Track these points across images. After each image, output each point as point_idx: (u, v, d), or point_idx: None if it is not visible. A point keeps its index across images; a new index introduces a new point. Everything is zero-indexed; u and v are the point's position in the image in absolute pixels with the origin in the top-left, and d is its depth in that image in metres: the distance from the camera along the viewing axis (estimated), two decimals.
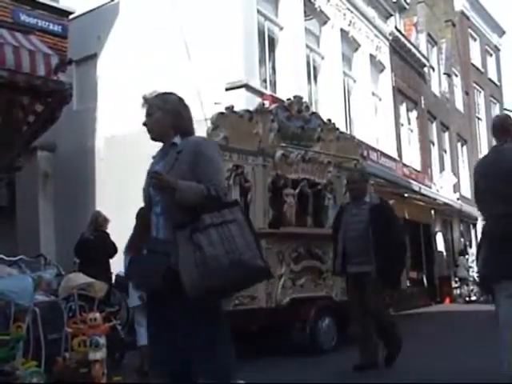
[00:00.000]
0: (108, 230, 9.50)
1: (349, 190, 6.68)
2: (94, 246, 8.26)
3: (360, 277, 5.91)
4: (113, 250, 8.58)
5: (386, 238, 5.72)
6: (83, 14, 11.79)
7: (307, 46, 13.45)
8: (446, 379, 5.33)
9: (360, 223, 5.94)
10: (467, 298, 18.65)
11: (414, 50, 19.85)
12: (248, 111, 7.72)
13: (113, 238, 9.66)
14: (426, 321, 13.18)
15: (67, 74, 8.36)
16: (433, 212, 19.88)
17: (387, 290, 6.67)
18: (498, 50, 30.88)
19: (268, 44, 12.22)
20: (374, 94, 17.05)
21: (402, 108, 19.30)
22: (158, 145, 3.27)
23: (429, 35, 22.57)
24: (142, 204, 3.23)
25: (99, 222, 8.76)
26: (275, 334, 8.04)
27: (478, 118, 27.59)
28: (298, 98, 8.48)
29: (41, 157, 11.74)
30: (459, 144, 24.93)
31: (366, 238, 5.83)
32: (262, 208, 7.48)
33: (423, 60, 20.76)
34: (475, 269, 16.44)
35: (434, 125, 22.08)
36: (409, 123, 19.79)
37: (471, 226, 24.76)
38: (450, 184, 21.49)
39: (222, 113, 7.46)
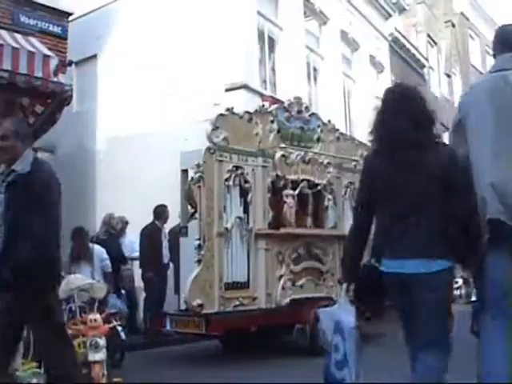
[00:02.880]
0: None
1: None
2: (103, 247, 8.34)
3: None
4: (119, 253, 8.70)
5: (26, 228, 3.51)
6: (83, 15, 11.80)
7: (307, 47, 13.46)
8: None
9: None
10: (468, 299, 18.61)
11: (413, 50, 19.86)
12: (248, 112, 7.73)
13: None
14: None
15: (67, 76, 8.38)
16: None
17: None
18: None
19: (268, 45, 12.23)
20: (373, 94, 17.04)
21: None
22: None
23: (428, 36, 22.58)
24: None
25: (111, 224, 8.95)
26: (275, 334, 8.05)
27: None
28: (298, 99, 8.49)
29: (41, 158, 11.74)
30: None
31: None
32: (262, 209, 7.49)
33: (423, 60, 20.77)
34: None
35: None
36: None
37: None
38: None
39: (221, 114, 7.47)
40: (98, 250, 7.66)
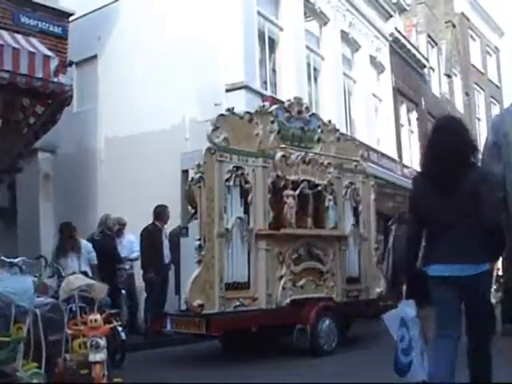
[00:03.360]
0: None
1: None
2: (97, 247, 8.39)
3: None
4: (114, 253, 8.77)
5: None
6: (83, 15, 11.80)
7: (307, 47, 13.46)
8: None
9: None
10: None
11: (414, 50, 19.85)
12: (248, 112, 7.73)
13: None
14: None
15: (67, 76, 8.37)
16: None
17: None
18: (498, 50, 30.86)
19: (268, 45, 12.23)
20: (374, 94, 17.05)
21: (402, 109, 19.29)
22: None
23: (429, 36, 22.57)
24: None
25: (108, 225, 9.00)
26: (275, 335, 8.05)
27: (478, 119, 27.58)
28: (298, 99, 8.49)
29: (41, 158, 11.75)
30: None
31: None
32: (262, 209, 7.49)
33: (423, 61, 20.76)
34: None
35: None
36: (409, 124, 19.80)
37: None
38: None
39: (222, 114, 7.47)
40: (85, 244, 8.25)
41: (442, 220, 3.63)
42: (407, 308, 4.03)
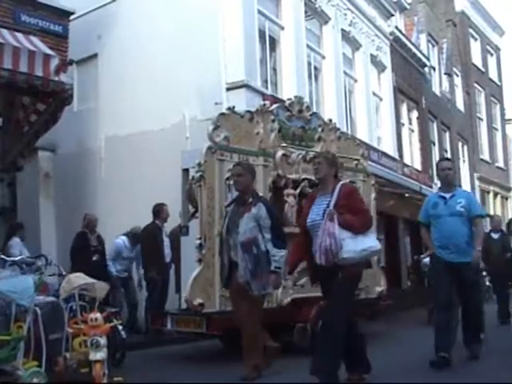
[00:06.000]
0: (108, 229, 9.57)
1: None
2: (74, 248, 8.54)
3: None
4: (76, 250, 8.91)
5: None
6: (84, 14, 11.79)
7: (308, 46, 13.44)
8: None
9: None
10: None
11: (414, 49, 19.83)
12: (249, 111, 7.72)
13: (112, 237, 9.74)
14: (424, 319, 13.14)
15: (68, 75, 8.38)
16: None
17: None
18: (499, 49, 30.83)
19: (269, 44, 12.21)
20: (374, 93, 17.04)
21: (403, 108, 19.28)
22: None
23: (429, 35, 22.55)
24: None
25: (84, 224, 9.00)
26: (276, 334, 8.03)
27: (479, 118, 27.55)
28: (299, 98, 8.48)
29: (42, 157, 11.75)
30: (460, 144, 24.91)
31: None
32: None
33: (424, 60, 20.75)
34: None
35: (435, 125, 22.05)
36: (409, 123, 19.78)
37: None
38: None
39: (222, 113, 7.46)
40: (16, 244, 8.61)
41: None
42: None
